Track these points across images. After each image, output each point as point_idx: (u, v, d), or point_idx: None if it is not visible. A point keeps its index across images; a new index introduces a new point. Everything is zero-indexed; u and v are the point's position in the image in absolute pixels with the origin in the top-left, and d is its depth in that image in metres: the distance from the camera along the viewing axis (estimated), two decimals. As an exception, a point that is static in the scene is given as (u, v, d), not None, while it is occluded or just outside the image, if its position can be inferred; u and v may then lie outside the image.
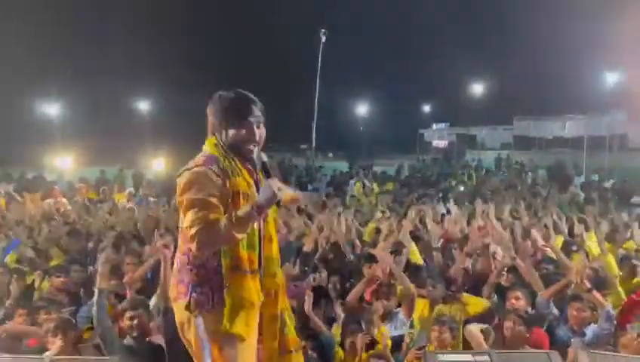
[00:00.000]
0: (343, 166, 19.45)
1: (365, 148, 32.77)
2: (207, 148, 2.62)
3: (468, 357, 3.29)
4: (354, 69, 37.09)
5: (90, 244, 6.47)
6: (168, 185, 12.99)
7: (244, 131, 2.58)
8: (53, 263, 5.82)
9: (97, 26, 31.84)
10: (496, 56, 33.28)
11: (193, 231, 2.38)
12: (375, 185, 12.46)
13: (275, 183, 2.49)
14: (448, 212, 8.74)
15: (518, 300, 4.34)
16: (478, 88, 34.02)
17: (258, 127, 2.63)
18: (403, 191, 12.93)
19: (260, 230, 2.62)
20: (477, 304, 4.48)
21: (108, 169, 16.52)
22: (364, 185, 12.93)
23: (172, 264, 2.98)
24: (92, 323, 4.38)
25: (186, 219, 2.42)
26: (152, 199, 11.64)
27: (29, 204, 10.24)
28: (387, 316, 4.78)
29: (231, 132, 2.58)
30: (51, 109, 30.31)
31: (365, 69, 37.45)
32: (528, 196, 11.44)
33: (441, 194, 12.56)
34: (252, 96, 2.66)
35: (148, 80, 32.47)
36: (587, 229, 7.00)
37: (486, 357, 3.23)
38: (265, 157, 2.63)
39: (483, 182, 15.86)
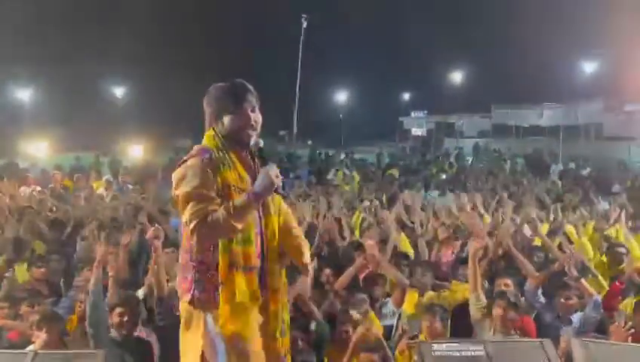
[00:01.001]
0: (323, 154, 19.39)
1: (345, 136, 32.76)
2: (205, 140, 2.58)
3: (462, 345, 3.29)
4: (334, 56, 36.97)
5: (68, 232, 6.30)
6: (146, 171, 12.79)
7: (239, 117, 2.54)
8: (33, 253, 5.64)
9: (72, 10, 30.98)
10: (474, 45, 33.44)
11: (192, 224, 2.35)
12: (355, 174, 12.43)
13: (274, 170, 2.44)
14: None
15: (507, 287, 4.35)
16: (456, 76, 34.18)
17: (253, 112, 2.59)
18: (385, 179, 12.93)
19: (260, 223, 2.57)
20: (466, 290, 4.49)
21: (83, 155, 16.20)
22: (344, 174, 12.89)
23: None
24: (73, 314, 4.29)
25: (184, 214, 2.39)
26: (130, 186, 11.41)
27: (3, 192, 9.92)
28: (376, 303, 4.77)
29: (226, 120, 2.55)
30: (24, 95, 29.56)
31: (345, 56, 37.29)
32: (510, 184, 11.56)
33: (422, 183, 12.58)
34: (245, 83, 2.62)
35: (124, 65, 31.83)
36: (566, 217, 7.13)
37: (480, 347, 3.23)
38: (261, 143, 2.59)
39: (463, 170, 15.99)
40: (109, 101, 33.41)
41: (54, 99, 30.41)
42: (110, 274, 4.22)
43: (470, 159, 21.10)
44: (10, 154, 17.80)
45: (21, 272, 4.98)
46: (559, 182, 12.80)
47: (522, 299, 4.42)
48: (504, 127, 31.79)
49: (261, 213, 2.57)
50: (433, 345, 3.30)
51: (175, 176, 2.46)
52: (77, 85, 31.11)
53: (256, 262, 2.55)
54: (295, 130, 15.04)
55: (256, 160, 2.59)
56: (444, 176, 13.78)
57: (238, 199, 2.40)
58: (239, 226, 2.39)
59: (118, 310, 3.74)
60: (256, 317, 2.57)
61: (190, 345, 2.56)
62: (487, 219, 6.63)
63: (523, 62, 30.53)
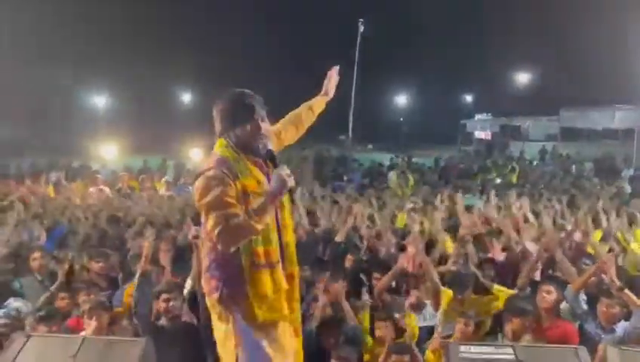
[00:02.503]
0: (382, 157, 19.34)
1: (405, 139, 32.44)
2: (218, 150, 2.72)
3: (491, 349, 3.26)
4: (394, 59, 36.65)
5: (129, 230, 6.69)
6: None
7: (249, 128, 2.69)
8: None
9: (143, 18, 32.54)
10: (542, 44, 32.18)
11: (216, 231, 2.50)
12: (411, 177, 12.36)
13: (285, 171, 2.60)
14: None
15: (549, 294, 4.25)
16: (523, 78, 33.08)
17: (263, 121, 2.73)
18: (441, 183, 12.79)
19: (277, 220, 2.74)
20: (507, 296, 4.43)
21: (151, 158, 16.97)
22: (401, 177, 12.82)
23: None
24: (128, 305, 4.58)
25: (208, 222, 2.55)
26: (190, 188, 11.89)
27: (74, 192, 10.63)
28: (416, 307, 4.78)
29: (238, 131, 2.69)
30: (99, 100, 31.42)
31: (406, 59, 36.91)
32: (573, 189, 11.11)
33: (480, 187, 12.35)
34: (250, 92, 2.76)
35: (192, 71, 33.07)
36: (633, 224, 6.78)
37: (509, 350, 3.20)
38: (270, 146, 2.74)
39: (526, 174, 15.49)
40: (178, 106, 34.84)
41: (126, 104, 32.12)
42: (147, 267, 4.47)
43: (535, 163, 20.38)
44: (84, 156, 18.97)
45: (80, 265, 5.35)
46: (628, 187, 12.18)
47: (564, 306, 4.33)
48: (573, 130, 30.39)
49: (277, 209, 2.73)
50: (460, 347, 3.31)
51: (197, 186, 2.61)
52: (148, 91, 32.69)
53: (276, 257, 2.73)
54: (350, 134, 15.07)
55: (268, 163, 2.73)
56: (498, 181, 13.42)
57: (256, 202, 2.56)
58: (260, 228, 2.55)
59: (163, 296, 3.98)
60: (284, 305, 2.76)
61: (224, 336, 2.76)
62: (535, 223, 6.43)
63: (593, 61, 29.10)
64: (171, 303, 3.96)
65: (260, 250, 2.68)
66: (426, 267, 4.77)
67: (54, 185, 11.50)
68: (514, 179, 14.52)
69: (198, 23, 35.91)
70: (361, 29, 14.12)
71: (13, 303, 4.09)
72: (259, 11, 34.08)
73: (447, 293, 4.59)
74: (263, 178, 2.71)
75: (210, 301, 2.76)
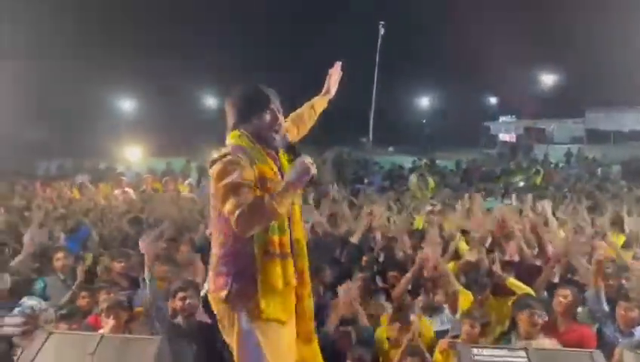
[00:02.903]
0: (403, 160, 19.28)
1: (427, 142, 32.23)
2: (232, 140, 2.73)
3: (504, 351, 3.25)
4: (416, 60, 36.47)
5: (149, 231, 6.81)
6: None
7: (267, 119, 2.71)
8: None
9: (168, 21, 33.06)
10: (567, 45, 31.66)
11: (237, 213, 2.44)
12: (431, 179, 12.27)
13: (308, 159, 2.58)
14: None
15: (566, 298, 4.20)
16: (547, 79, 32.57)
17: (278, 112, 2.75)
18: (462, 186, 12.70)
19: (289, 215, 2.73)
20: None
21: (175, 160, 17.21)
22: (421, 179, 12.74)
23: None
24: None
25: (228, 204, 2.49)
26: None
27: (99, 194, 10.85)
28: (433, 310, 4.77)
29: (255, 122, 2.71)
30: (124, 104, 32.04)
31: (429, 61, 36.69)
32: (597, 192, 10.92)
33: (502, 190, 12.24)
34: (263, 85, 2.78)
35: (216, 73, 33.41)
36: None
37: (522, 354, 3.18)
38: (289, 138, 2.78)
39: (550, 177, 15.27)
40: (202, 108, 35.25)
41: (151, 107, 32.65)
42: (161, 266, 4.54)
43: (561, 165, 20.08)
44: (110, 158, 19.35)
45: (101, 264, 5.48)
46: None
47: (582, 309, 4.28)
48: (599, 132, 29.83)
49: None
50: (473, 349, 3.30)
51: (215, 170, 2.56)
52: (172, 94, 33.18)
53: (289, 248, 2.72)
54: (371, 136, 15.06)
55: (279, 155, 2.75)
56: (521, 184, 13.26)
57: (279, 188, 2.54)
58: (282, 212, 2.51)
59: (180, 294, 4.01)
60: (292, 302, 2.75)
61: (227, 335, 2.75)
62: (555, 228, 6.35)
63: (619, 62, 28.49)
64: (187, 301, 4.00)
65: (276, 238, 2.66)
66: (443, 271, 4.76)
67: (79, 187, 11.77)
68: (538, 182, 14.33)
69: (222, 25, 36.30)
70: (382, 31, 14.16)
71: (28, 302, 4.19)
72: (283, 14, 34.29)
73: (467, 297, 4.56)
74: (276, 168, 2.71)
75: (215, 300, 2.73)
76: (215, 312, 2.79)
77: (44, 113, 26.79)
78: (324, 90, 3.38)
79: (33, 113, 25.95)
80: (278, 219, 2.58)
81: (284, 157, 2.75)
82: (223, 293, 2.66)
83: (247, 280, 2.64)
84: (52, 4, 27.63)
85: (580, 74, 30.66)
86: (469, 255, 5.31)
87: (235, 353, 2.70)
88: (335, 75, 3.41)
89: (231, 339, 2.72)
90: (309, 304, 2.87)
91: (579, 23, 30.17)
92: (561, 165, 20.02)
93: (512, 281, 4.53)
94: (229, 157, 2.58)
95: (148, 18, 31.51)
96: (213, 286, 2.72)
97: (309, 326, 2.88)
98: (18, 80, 23.51)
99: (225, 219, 2.59)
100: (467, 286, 4.71)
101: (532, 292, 4.38)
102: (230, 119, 2.79)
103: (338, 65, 3.41)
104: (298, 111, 3.23)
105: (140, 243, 4.10)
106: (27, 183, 12.23)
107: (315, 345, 2.95)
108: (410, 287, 4.89)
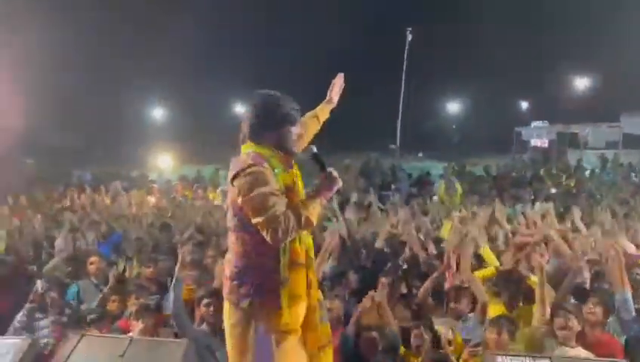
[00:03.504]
0: (432, 166, 19.12)
1: (457, 147, 31.88)
2: (250, 149, 2.72)
3: (529, 360, 3.22)
4: (446, 65, 36.13)
5: (178, 237, 6.97)
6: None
7: (286, 128, 2.74)
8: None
9: (197, 30, 33.63)
10: (600, 47, 30.87)
11: (274, 222, 2.46)
12: (458, 186, 12.16)
13: (335, 171, 2.66)
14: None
15: (595, 309, 4.10)
16: (581, 82, 31.85)
17: (295, 123, 2.79)
18: (492, 192, 12.51)
19: None
20: None
21: (205, 168, 17.46)
22: (449, 185, 12.64)
23: None
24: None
25: (261, 215, 2.49)
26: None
27: (131, 201, 11.11)
28: (457, 319, 4.73)
29: (275, 131, 2.72)
30: (157, 113, 32.80)
31: (458, 65, 36.29)
32: (632, 199, 10.64)
33: (532, 196, 12.02)
34: (280, 94, 2.81)
35: (245, 82, 33.83)
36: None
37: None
38: (315, 149, 2.78)
39: (583, 183, 14.91)
40: (231, 117, 35.68)
41: (182, 116, 33.28)
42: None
43: (596, 171, 19.57)
44: (142, 166, 19.78)
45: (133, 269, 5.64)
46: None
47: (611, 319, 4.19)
48: (636, 137, 28.95)
49: None
50: (498, 357, 3.28)
51: (244, 181, 2.55)
52: (203, 102, 33.75)
53: (306, 257, 2.76)
54: (399, 142, 15.02)
55: (294, 166, 2.78)
56: (554, 190, 13.00)
57: (309, 197, 2.61)
58: (314, 221, 2.58)
59: (204, 301, 4.11)
60: (304, 310, 2.77)
61: (238, 343, 2.74)
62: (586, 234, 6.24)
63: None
64: (211, 308, 4.08)
65: (300, 248, 2.70)
66: (468, 279, 4.71)
67: (113, 194, 12.08)
68: (570, 189, 14.02)
69: (256, 34, 36.80)
70: (409, 37, 14.16)
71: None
72: (313, 21, 34.47)
73: (498, 307, 4.49)
74: (296, 178, 2.74)
75: (232, 310, 2.74)
76: (225, 315, 2.80)
77: (80, 123, 27.59)
78: (327, 99, 3.40)
79: (69, 123, 26.74)
80: (311, 227, 2.62)
81: (296, 167, 2.79)
82: (245, 303, 2.67)
83: (270, 291, 2.65)
84: (85, 17, 28.50)
85: (615, 75, 29.82)
86: (505, 261, 5.24)
87: (236, 356, 2.72)
88: (338, 84, 3.45)
89: (237, 341, 2.73)
90: (315, 316, 2.86)
91: (613, 22, 29.46)
92: (596, 171, 19.51)
93: (535, 280, 4.41)
94: (255, 167, 2.57)
95: (179, 29, 32.13)
96: (234, 296, 2.72)
97: (322, 335, 2.87)
98: (55, 91, 24.30)
99: (250, 232, 2.61)
100: (497, 294, 4.66)
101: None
102: (247, 129, 2.78)
103: (341, 75, 3.45)
104: (302, 119, 3.21)
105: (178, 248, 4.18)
106: (63, 191, 12.62)
107: (329, 355, 2.95)
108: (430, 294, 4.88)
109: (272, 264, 2.65)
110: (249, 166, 2.59)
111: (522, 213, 7.86)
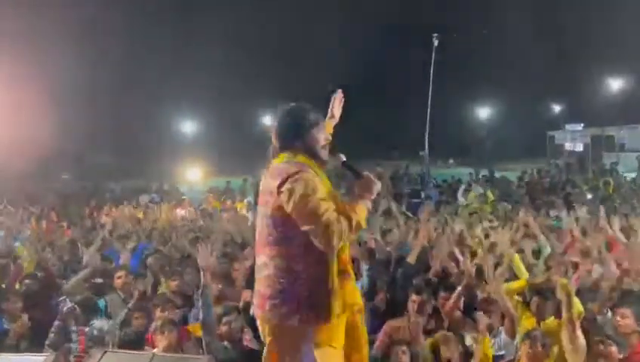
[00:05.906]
0: (462, 172, 18.82)
1: (489, 153, 31.34)
2: (287, 159, 2.69)
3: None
4: (475, 69, 35.69)
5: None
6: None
7: (316, 136, 2.73)
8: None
9: (225, 43, 34.17)
10: (634, 46, 29.93)
11: (329, 227, 2.43)
12: (489, 192, 11.91)
13: (371, 175, 2.69)
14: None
15: (624, 318, 3.92)
16: (615, 83, 30.95)
17: (323, 130, 2.80)
18: (524, 199, 12.21)
19: None
20: None
21: (234, 180, 17.65)
22: (480, 193, 12.41)
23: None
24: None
25: (315, 221, 2.45)
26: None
27: (162, 214, 11.26)
28: (488, 333, 4.58)
29: (305, 139, 2.72)
30: (186, 126, 33.46)
31: (489, 69, 35.75)
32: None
33: (566, 204, 11.65)
34: (305, 104, 2.83)
35: (274, 93, 34.15)
36: None
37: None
38: (344, 157, 2.76)
39: (620, 188, 14.41)
40: (259, 129, 36.00)
41: (212, 129, 33.81)
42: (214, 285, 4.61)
43: (634, 175, 18.92)
44: (173, 179, 20.09)
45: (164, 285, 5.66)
46: None
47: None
48: (675, 138, 27.97)
49: None
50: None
51: (293, 188, 2.50)
52: (232, 115, 34.21)
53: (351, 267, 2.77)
54: (427, 149, 14.82)
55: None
56: (589, 196, 12.58)
57: (355, 203, 2.59)
58: (364, 226, 2.60)
59: (224, 319, 4.09)
60: (344, 320, 2.72)
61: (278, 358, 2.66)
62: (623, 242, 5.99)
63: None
64: (232, 325, 4.07)
65: (346, 257, 2.71)
66: (497, 292, 4.55)
67: (144, 208, 12.27)
68: (606, 194, 13.56)
69: (283, 47, 37.17)
70: (435, 43, 14.00)
71: (97, 323, 4.30)
72: (331, 34, 34.55)
73: (529, 321, 4.34)
74: (330, 184, 2.72)
75: (272, 328, 2.64)
76: (264, 334, 2.71)
77: (113, 138, 28.30)
78: (329, 115, 3.38)
79: (103, 139, 27.45)
80: (360, 230, 2.61)
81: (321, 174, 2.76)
82: (294, 321, 2.58)
83: (320, 304, 2.57)
84: (116, 42, 29.37)
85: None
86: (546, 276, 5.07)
87: None
88: (339, 99, 3.47)
89: (280, 359, 2.65)
90: (364, 330, 2.85)
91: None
92: (634, 175, 18.86)
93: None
94: (303, 173, 2.56)
95: (207, 45, 32.72)
96: (279, 313, 2.60)
97: (362, 352, 2.84)
98: (90, 109, 25.03)
99: (294, 244, 2.56)
100: (529, 307, 4.50)
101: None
102: (278, 139, 2.76)
103: (340, 92, 3.48)
104: None
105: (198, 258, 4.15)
106: (96, 205, 12.89)
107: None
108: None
109: (320, 274, 2.57)
110: (296, 172, 2.55)
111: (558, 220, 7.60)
